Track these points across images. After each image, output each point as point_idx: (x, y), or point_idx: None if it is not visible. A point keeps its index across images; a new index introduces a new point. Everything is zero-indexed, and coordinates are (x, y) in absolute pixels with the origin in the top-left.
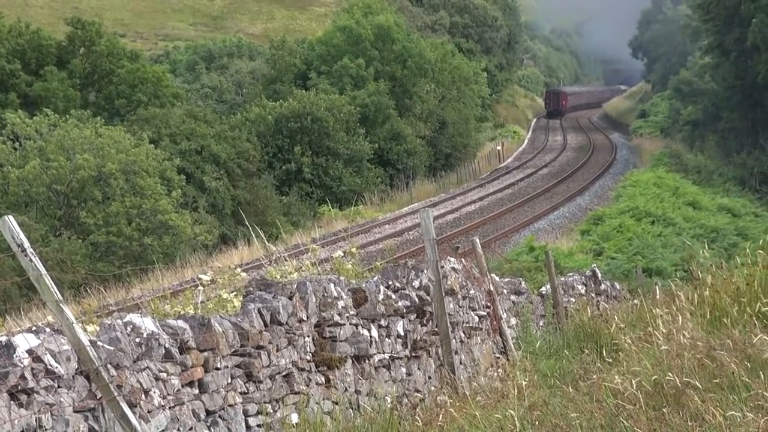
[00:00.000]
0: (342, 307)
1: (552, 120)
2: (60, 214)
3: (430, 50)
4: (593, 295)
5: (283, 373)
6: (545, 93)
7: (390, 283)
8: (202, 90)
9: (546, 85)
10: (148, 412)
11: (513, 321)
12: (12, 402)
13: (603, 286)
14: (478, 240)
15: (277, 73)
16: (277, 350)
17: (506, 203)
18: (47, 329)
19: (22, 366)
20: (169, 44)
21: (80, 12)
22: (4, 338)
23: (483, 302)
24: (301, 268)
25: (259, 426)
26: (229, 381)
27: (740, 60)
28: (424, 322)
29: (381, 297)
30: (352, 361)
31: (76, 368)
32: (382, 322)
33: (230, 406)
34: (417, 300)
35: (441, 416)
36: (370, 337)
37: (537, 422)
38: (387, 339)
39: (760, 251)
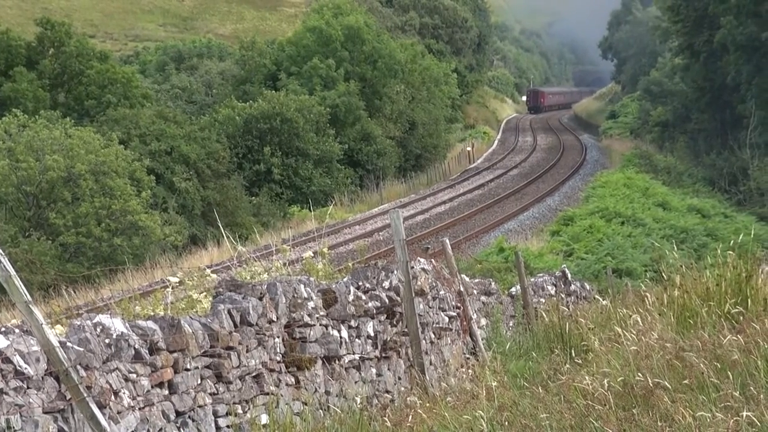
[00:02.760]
0: (312, 308)
1: (522, 121)
2: (29, 215)
3: (400, 51)
4: (563, 295)
5: (253, 374)
6: (527, 92)
7: (360, 283)
8: (172, 91)
9: (516, 86)
10: (118, 413)
11: (483, 322)
12: None
13: (573, 287)
14: (448, 241)
15: (247, 73)
16: (247, 351)
17: (476, 204)
18: (16, 330)
19: None
20: (139, 45)
21: (50, 12)
22: None
23: (453, 303)
24: (271, 269)
25: (228, 427)
26: (199, 382)
27: (710, 61)
28: (394, 322)
29: (351, 298)
30: (322, 362)
31: (45, 369)
32: (352, 323)
33: (200, 406)
34: (387, 301)
35: (411, 417)
36: (340, 337)
37: (507, 423)
38: (357, 340)
39: (730, 252)
